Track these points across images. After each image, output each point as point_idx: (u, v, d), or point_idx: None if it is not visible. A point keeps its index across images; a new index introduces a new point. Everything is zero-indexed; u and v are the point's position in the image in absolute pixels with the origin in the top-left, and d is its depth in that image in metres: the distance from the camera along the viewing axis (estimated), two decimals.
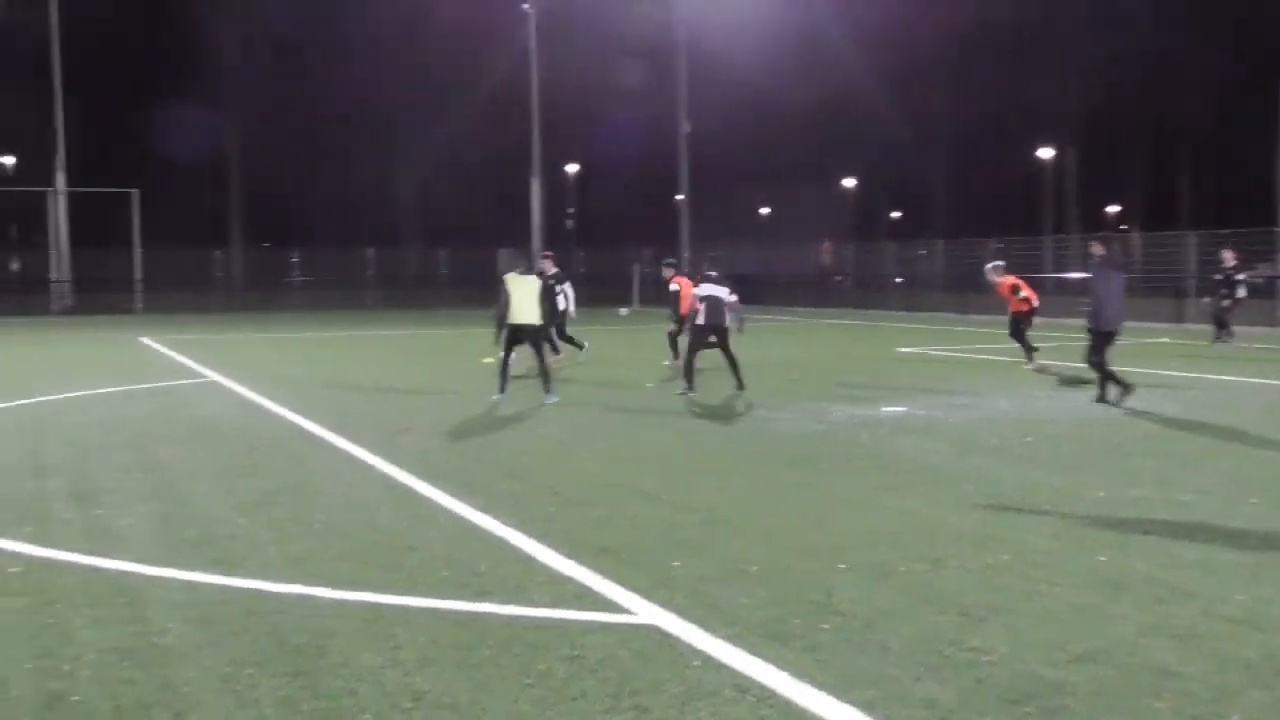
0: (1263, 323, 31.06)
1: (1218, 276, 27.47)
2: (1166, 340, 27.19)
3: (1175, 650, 5.72)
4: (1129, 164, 71.80)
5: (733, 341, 16.51)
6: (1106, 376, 15.14)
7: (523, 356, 16.90)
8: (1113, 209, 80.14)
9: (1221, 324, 26.68)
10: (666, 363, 19.52)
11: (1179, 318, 34.29)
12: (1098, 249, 15.74)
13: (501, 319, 15.41)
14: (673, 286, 19.46)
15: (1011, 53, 64.43)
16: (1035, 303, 20.60)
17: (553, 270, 20.28)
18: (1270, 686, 5.27)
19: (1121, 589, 6.73)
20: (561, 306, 20.04)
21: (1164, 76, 61.51)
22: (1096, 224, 71.18)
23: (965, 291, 42.70)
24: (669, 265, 20.74)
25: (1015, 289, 20.56)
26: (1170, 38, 59.52)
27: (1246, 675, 5.40)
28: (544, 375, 15.75)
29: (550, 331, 19.22)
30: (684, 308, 18.17)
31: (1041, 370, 19.55)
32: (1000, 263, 21.58)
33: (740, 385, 16.27)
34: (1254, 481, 9.98)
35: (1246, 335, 26.97)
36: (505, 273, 15.70)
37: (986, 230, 51.45)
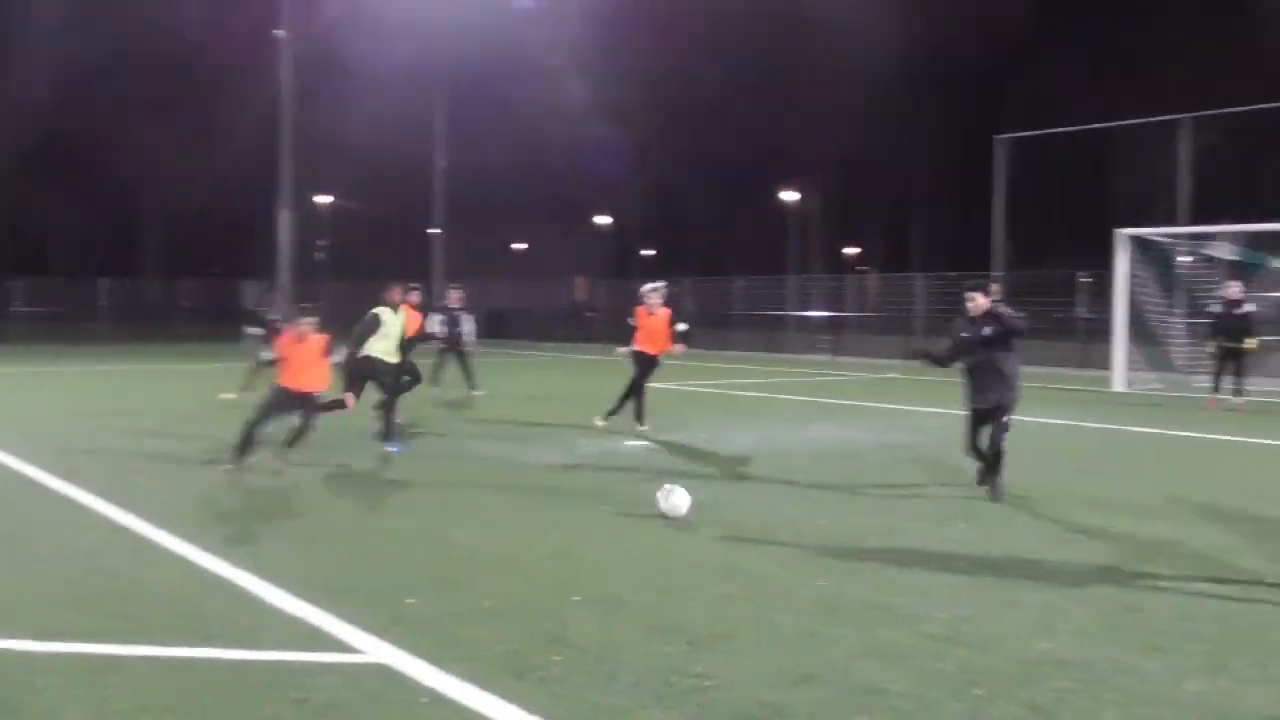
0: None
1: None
2: (894, 376, 28.24)
3: (883, 668, 6.01)
4: (869, 209, 75.31)
5: None
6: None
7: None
8: (852, 250, 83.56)
9: None
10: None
11: (909, 354, 35.62)
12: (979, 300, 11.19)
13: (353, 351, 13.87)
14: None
15: (766, 100, 66.79)
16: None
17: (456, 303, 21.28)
18: (961, 698, 5.62)
19: (840, 613, 7.04)
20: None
21: (904, 129, 64.76)
22: (838, 265, 74.20)
23: (705, 327, 43.73)
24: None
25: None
26: (912, 98, 62.75)
27: (944, 688, 5.74)
28: (387, 422, 14.20)
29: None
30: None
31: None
32: (662, 284, 16.94)
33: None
34: (963, 508, 10.62)
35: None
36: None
37: (738, 269, 53.09)
